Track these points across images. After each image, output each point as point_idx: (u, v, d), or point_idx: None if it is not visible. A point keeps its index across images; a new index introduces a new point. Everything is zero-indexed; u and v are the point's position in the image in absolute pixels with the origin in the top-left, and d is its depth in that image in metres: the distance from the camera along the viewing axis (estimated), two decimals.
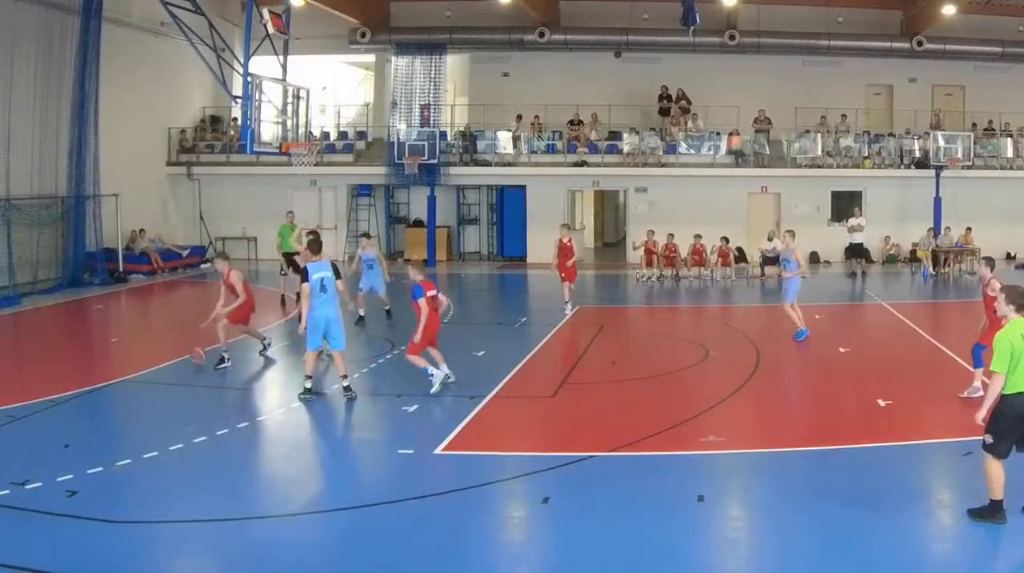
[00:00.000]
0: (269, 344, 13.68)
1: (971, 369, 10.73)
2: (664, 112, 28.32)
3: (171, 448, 9.06)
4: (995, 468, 6.85)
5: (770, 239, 23.02)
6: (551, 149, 28.01)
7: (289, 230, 18.27)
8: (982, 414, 6.90)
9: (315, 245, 11.33)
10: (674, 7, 24.85)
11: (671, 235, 23.78)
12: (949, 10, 24.83)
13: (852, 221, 24.88)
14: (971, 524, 6.92)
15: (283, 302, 18.38)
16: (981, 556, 6.52)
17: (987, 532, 6.79)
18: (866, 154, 27.10)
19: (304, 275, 10.94)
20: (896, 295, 20.75)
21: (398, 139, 27.40)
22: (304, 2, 23.33)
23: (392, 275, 16.76)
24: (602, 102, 27.95)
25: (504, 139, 27.99)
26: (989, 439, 6.85)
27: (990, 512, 6.91)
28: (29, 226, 20.83)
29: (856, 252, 24.73)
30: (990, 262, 10.80)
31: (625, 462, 8.80)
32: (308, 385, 11.10)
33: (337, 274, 11.01)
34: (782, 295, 14.89)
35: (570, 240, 18.24)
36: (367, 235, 18.33)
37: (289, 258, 17.64)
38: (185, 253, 26.30)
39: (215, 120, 29.27)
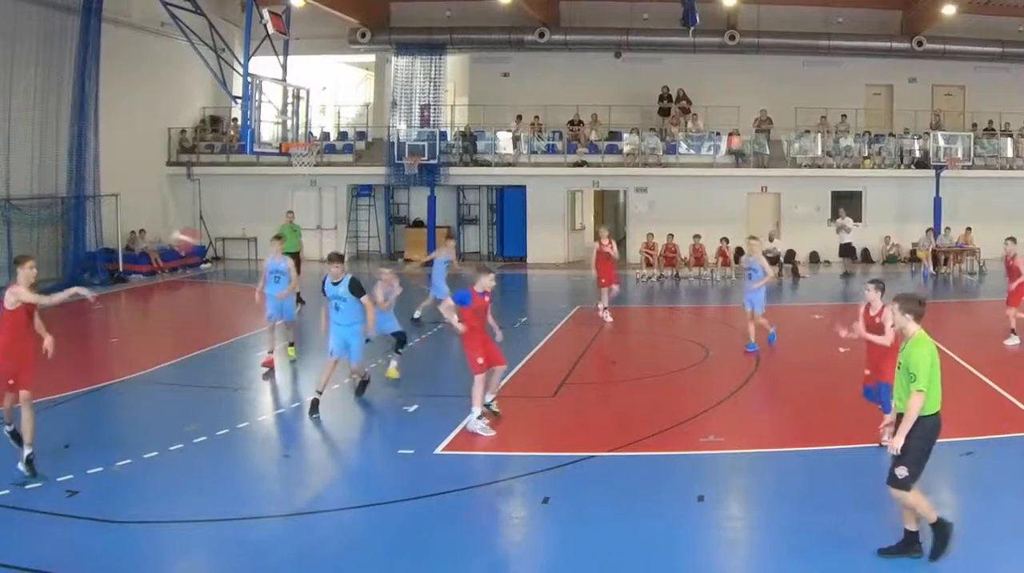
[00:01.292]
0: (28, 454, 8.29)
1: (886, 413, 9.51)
2: (664, 112, 28.32)
3: (171, 448, 9.08)
4: (918, 494, 6.30)
5: (770, 239, 23.10)
6: (551, 149, 27.99)
7: (290, 230, 18.21)
8: (900, 442, 6.20)
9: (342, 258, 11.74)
10: (674, 7, 24.84)
11: (671, 235, 23.78)
12: (949, 10, 24.81)
13: (839, 221, 24.96)
14: (971, 523, 6.87)
15: (299, 300, 18.28)
16: (981, 555, 6.51)
17: (986, 532, 6.77)
18: (866, 154, 27.09)
19: (361, 287, 10.95)
20: None
21: (398, 139, 27.39)
22: (304, 2, 23.33)
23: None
24: (602, 102, 27.94)
25: (504, 139, 27.98)
26: (904, 472, 6.16)
27: (940, 538, 6.29)
28: (29, 226, 20.84)
29: (847, 252, 24.79)
30: (879, 286, 9.13)
31: (625, 462, 8.81)
32: (367, 378, 11.37)
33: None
34: (746, 303, 14.20)
35: (610, 240, 17.36)
36: (451, 237, 17.26)
37: (293, 258, 17.52)
38: (185, 253, 26.27)
39: (215, 120, 29.26)
